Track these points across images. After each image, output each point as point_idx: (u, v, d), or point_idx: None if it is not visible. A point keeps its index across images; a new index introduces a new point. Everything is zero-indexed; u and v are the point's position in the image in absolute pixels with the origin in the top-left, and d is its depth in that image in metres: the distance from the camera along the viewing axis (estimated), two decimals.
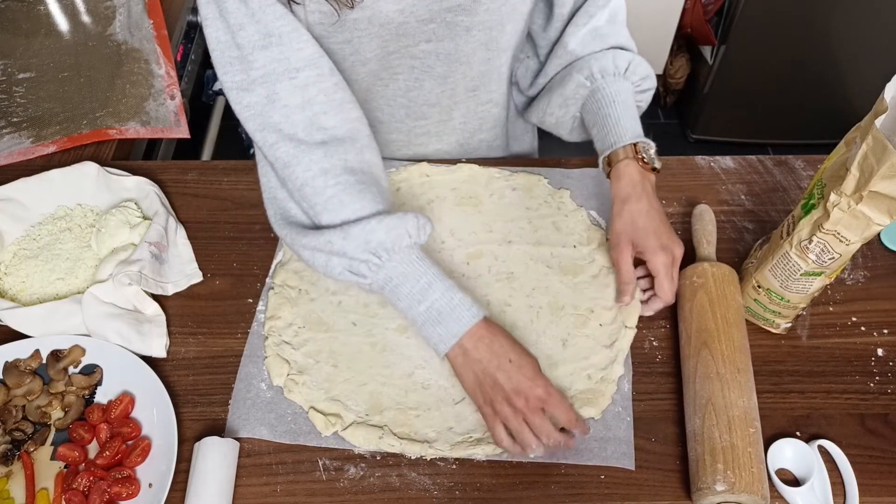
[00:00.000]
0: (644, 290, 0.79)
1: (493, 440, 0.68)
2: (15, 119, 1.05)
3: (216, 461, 0.65)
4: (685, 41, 2.27)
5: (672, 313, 0.80)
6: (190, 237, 0.87)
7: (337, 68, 0.75)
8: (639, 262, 0.77)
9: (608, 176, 0.80)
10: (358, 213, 0.71)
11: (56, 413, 0.73)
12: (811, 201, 0.67)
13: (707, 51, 2.18)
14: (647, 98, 0.89)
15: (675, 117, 2.49)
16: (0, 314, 0.77)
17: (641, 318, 0.79)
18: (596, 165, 0.95)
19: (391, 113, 0.90)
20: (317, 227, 0.72)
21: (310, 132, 0.72)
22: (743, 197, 0.92)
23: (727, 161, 0.97)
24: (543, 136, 1.06)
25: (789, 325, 0.77)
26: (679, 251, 0.75)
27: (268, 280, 0.84)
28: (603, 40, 0.85)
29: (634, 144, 0.78)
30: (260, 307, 0.81)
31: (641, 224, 0.75)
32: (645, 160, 0.78)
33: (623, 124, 0.80)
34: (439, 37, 0.79)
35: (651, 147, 0.79)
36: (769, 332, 0.78)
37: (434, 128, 0.93)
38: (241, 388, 0.74)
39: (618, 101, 0.82)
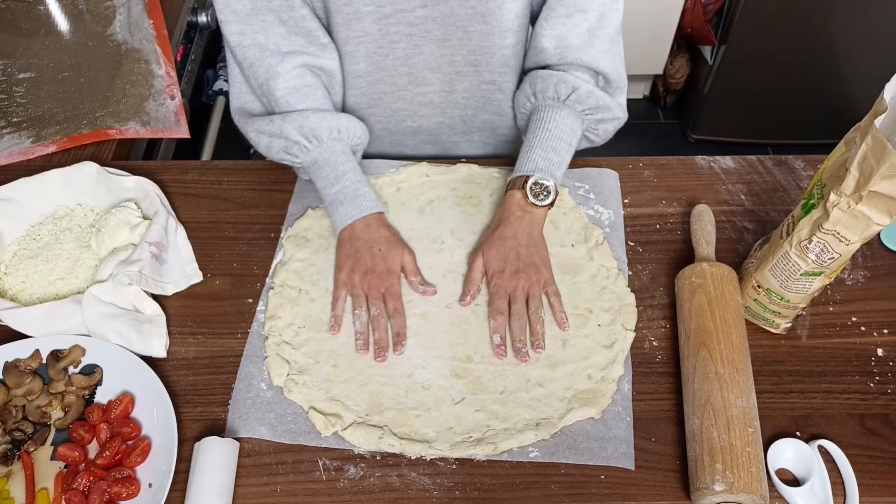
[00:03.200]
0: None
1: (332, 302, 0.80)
2: (15, 119, 1.05)
3: (216, 461, 0.65)
4: (685, 41, 2.27)
5: (672, 313, 0.80)
6: (190, 237, 0.87)
7: (337, 37, 0.86)
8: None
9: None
10: (302, 107, 0.85)
11: (56, 413, 0.73)
12: (811, 201, 0.67)
13: (707, 51, 2.18)
14: (605, 128, 0.89)
15: (675, 117, 2.49)
16: (0, 314, 0.76)
17: (640, 318, 0.79)
18: (596, 165, 0.95)
19: (393, 82, 0.92)
20: (268, 115, 0.87)
21: (278, 43, 0.84)
22: (743, 197, 0.92)
23: (727, 161, 0.97)
24: None
25: (789, 325, 0.77)
26: (524, 282, 0.78)
27: (268, 280, 0.84)
28: (569, 54, 0.84)
29: (527, 178, 0.82)
30: (260, 307, 0.81)
31: (496, 245, 0.80)
32: (528, 196, 0.81)
33: (531, 155, 0.84)
34: (434, 0, 0.82)
35: (545, 184, 0.81)
36: (769, 332, 0.78)
37: (437, 98, 0.94)
38: (241, 388, 0.74)
39: (544, 129, 0.85)
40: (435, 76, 0.91)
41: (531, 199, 0.81)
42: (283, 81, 0.84)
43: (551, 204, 0.82)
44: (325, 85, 0.90)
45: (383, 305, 0.79)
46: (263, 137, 0.87)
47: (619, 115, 0.88)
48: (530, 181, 0.81)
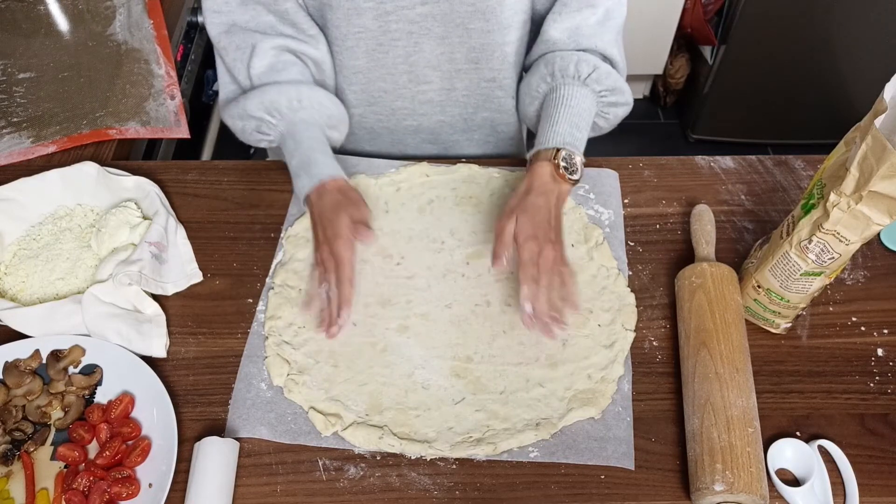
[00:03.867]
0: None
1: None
2: (15, 119, 1.05)
3: (216, 461, 0.65)
4: (685, 41, 2.27)
5: (672, 313, 0.80)
6: (190, 237, 0.87)
7: (337, 32, 0.86)
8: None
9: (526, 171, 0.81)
10: (272, 82, 0.85)
11: (56, 413, 0.73)
12: (811, 201, 0.67)
13: (707, 51, 2.18)
14: (616, 113, 0.88)
15: (675, 117, 2.49)
16: (0, 314, 0.76)
17: (640, 318, 0.79)
18: (596, 165, 0.95)
19: (394, 80, 0.92)
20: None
21: (265, 27, 0.85)
22: (743, 197, 0.92)
23: (727, 161, 0.97)
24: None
25: (789, 325, 0.77)
26: (550, 251, 0.73)
27: (268, 280, 0.84)
28: (583, 40, 0.85)
29: (557, 150, 0.78)
30: (260, 307, 0.81)
31: (530, 212, 0.75)
32: (559, 168, 0.78)
33: (557, 128, 0.81)
34: None
35: (575, 156, 0.79)
36: (769, 332, 0.78)
37: (437, 96, 0.94)
38: (241, 388, 0.74)
39: (566, 105, 0.82)
40: (435, 74, 0.91)
41: (563, 171, 0.77)
42: (259, 60, 0.84)
43: (578, 180, 0.79)
44: (313, 74, 0.90)
45: (333, 277, 0.75)
46: (237, 122, 0.87)
47: (630, 101, 0.88)
48: (562, 154, 0.78)
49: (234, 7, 0.84)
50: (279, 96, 0.83)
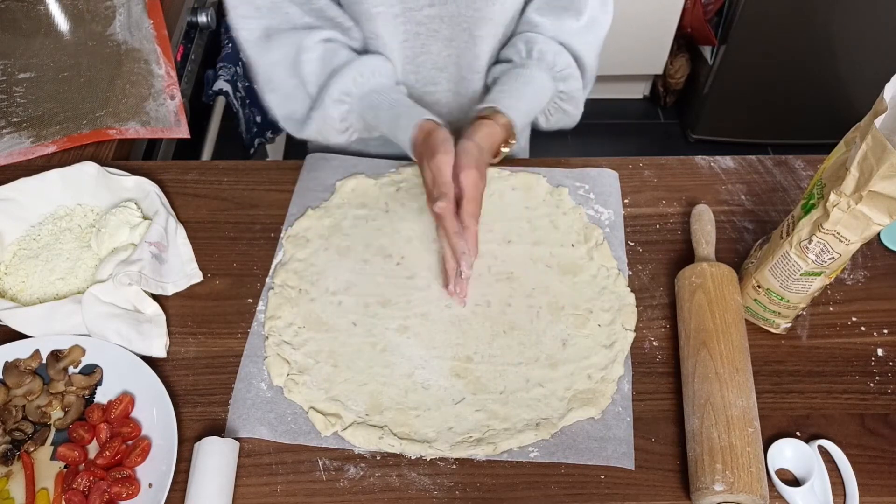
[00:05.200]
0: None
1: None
2: (15, 119, 1.05)
3: (216, 461, 0.65)
4: (685, 41, 2.28)
5: (672, 313, 0.80)
6: (190, 237, 0.87)
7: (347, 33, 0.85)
8: None
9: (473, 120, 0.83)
10: (328, 70, 0.84)
11: (56, 413, 0.73)
12: (811, 201, 0.67)
13: (707, 51, 2.18)
14: (558, 119, 0.92)
15: (675, 117, 2.49)
16: (0, 314, 0.77)
17: (640, 318, 0.79)
18: (596, 165, 0.95)
19: (402, 82, 0.92)
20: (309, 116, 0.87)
21: (306, 23, 0.84)
22: (743, 197, 0.92)
23: (727, 161, 0.97)
24: (537, 134, 1.06)
25: (789, 325, 0.77)
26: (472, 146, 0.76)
27: (268, 280, 0.84)
28: (564, 36, 0.86)
29: (511, 128, 0.82)
30: (260, 307, 0.81)
31: (474, 147, 0.77)
32: (509, 139, 0.83)
33: (520, 105, 0.83)
34: (442, 0, 0.82)
35: (516, 139, 0.84)
36: (769, 332, 0.78)
37: (444, 97, 0.95)
38: (241, 388, 0.74)
39: (534, 88, 0.85)
40: (442, 76, 0.92)
41: (508, 145, 0.83)
42: (308, 53, 0.83)
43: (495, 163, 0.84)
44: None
45: (454, 223, 0.75)
46: (323, 124, 0.87)
47: (576, 118, 0.92)
48: (514, 135, 0.83)
49: (266, 11, 0.82)
50: (344, 81, 0.83)
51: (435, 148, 0.75)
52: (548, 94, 0.86)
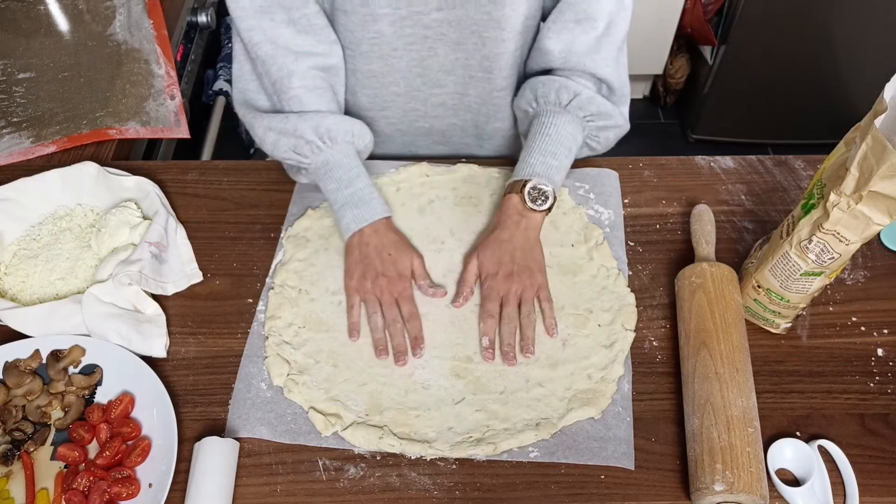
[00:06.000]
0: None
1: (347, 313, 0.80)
2: (15, 119, 1.05)
3: (216, 461, 0.65)
4: (685, 41, 2.27)
5: (672, 313, 0.80)
6: (190, 237, 0.87)
7: (352, 37, 0.86)
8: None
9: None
10: (316, 107, 0.85)
11: (56, 413, 0.73)
12: (811, 201, 0.67)
13: (707, 51, 2.18)
14: (606, 136, 0.89)
15: (675, 117, 2.49)
16: (0, 314, 0.76)
17: (640, 318, 0.79)
18: (596, 165, 0.95)
19: (407, 83, 0.92)
20: (277, 112, 0.86)
21: (290, 42, 0.83)
22: (743, 197, 0.92)
23: (727, 161, 0.97)
24: None
25: (789, 325, 0.77)
26: (517, 286, 0.77)
27: (268, 280, 0.84)
28: (573, 58, 0.84)
29: (525, 182, 0.81)
30: (260, 307, 0.81)
31: (492, 248, 0.80)
32: (526, 200, 0.81)
33: (530, 160, 0.83)
34: (450, 5, 0.82)
35: (544, 186, 0.81)
36: (769, 332, 0.78)
37: (450, 99, 0.94)
38: (241, 388, 0.74)
39: (544, 134, 0.84)
40: (449, 78, 0.91)
41: (529, 203, 0.80)
42: (299, 80, 0.84)
43: (549, 209, 0.81)
44: (331, 85, 0.89)
45: (397, 310, 0.78)
46: (271, 134, 0.85)
47: (621, 123, 0.88)
48: (528, 186, 0.81)
49: (254, 13, 0.82)
50: (338, 126, 0.84)
51: (402, 271, 0.81)
52: (568, 127, 0.85)
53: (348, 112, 0.95)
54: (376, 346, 0.77)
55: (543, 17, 0.89)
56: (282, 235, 0.88)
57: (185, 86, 1.26)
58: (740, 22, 1.97)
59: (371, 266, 0.80)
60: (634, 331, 0.78)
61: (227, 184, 0.95)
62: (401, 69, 0.90)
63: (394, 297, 0.79)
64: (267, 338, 0.78)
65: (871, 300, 0.81)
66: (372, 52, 0.87)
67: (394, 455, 0.69)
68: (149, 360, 0.75)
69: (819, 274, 0.69)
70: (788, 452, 0.69)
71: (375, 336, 0.77)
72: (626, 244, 0.87)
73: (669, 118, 2.50)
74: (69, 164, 0.90)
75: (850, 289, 0.83)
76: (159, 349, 0.76)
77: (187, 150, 1.24)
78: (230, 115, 1.40)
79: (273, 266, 0.85)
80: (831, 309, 0.81)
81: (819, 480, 0.66)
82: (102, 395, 0.74)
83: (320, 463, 0.69)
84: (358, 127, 0.86)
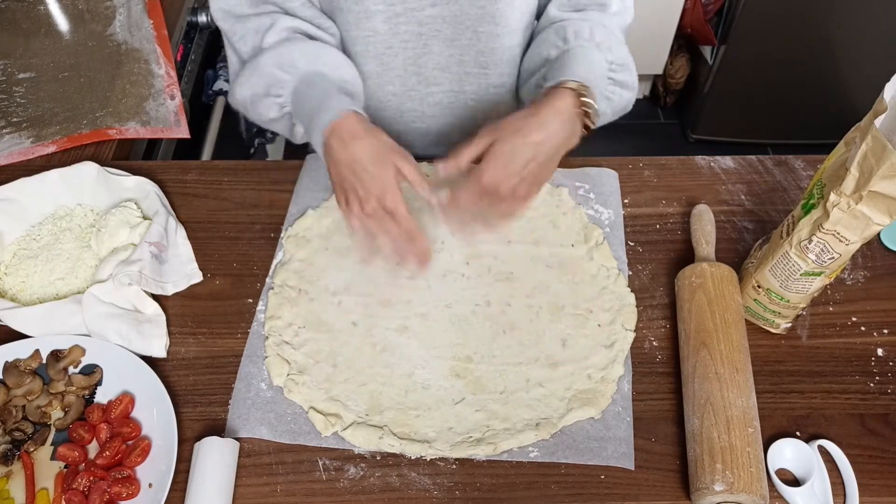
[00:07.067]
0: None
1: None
2: (15, 119, 1.05)
3: (216, 461, 0.65)
4: (685, 41, 2.27)
5: (672, 313, 0.80)
6: (190, 237, 0.87)
7: (346, 37, 0.85)
8: None
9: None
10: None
11: (56, 413, 0.73)
12: (811, 201, 0.67)
13: (707, 51, 2.18)
14: (621, 96, 0.81)
15: (675, 117, 2.49)
16: (0, 314, 0.77)
17: (640, 318, 0.79)
18: (596, 165, 0.95)
19: (402, 82, 0.91)
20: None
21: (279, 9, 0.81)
22: (743, 197, 0.92)
23: (727, 161, 0.97)
24: None
25: (789, 325, 0.77)
26: (522, 138, 0.67)
27: (268, 280, 0.84)
28: (591, 22, 0.83)
29: (582, 89, 0.70)
30: (260, 307, 0.81)
31: (510, 144, 0.68)
32: (581, 102, 0.70)
33: (580, 71, 0.73)
34: (444, 0, 0.81)
35: (596, 106, 0.72)
36: (769, 332, 0.78)
37: (446, 98, 0.94)
38: (241, 388, 0.74)
39: (584, 62, 0.75)
40: (444, 76, 0.91)
41: (583, 108, 0.69)
42: (273, 35, 0.80)
43: (593, 128, 0.72)
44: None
45: (397, 231, 0.71)
46: (245, 91, 0.81)
47: (635, 86, 0.83)
48: (586, 96, 0.70)
49: (246, 6, 0.82)
50: (293, 51, 0.78)
51: (386, 186, 0.71)
52: (600, 66, 0.77)
53: None
54: (394, 262, 0.73)
55: (540, 9, 0.89)
56: (282, 235, 0.88)
57: (185, 86, 1.26)
58: (740, 22, 1.97)
59: (352, 190, 0.71)
60: (634, 331, 0.78)
61: (227, 184, 0.95)
62: (396, 68, 0.89)
63: (389, 222, 0.71)
64: (267, 338, 0.78)
65: (871, 300, 0.81)
66: (367, 51, 0.87)
67: (394, 455, 0.69)
68: (149, 360, 0.75)
69: (819, 274, 0.69)
70: (788, 452, 0.69)
71: (387, 254, 0.72)
72: (626, 244, 0.87)
73: (669, 118, 2.50)
74: (69, 164, 0.90)
75: (850, 289, 0.83)
76: (159, 349, 0.76)
77: (187, 150, 1.24)
78: (230, 115, 1.41)
79: (273, 266, 0.85)
80: (831, 309, 0.81)
81: (819, 480, 0.66)
82: (102, 395, 0.74)
83: (320, 463, 0.69)
84: (325, 52, 0.80)
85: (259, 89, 0.80)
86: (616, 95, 0.82)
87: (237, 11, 0.83)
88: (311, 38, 0.84)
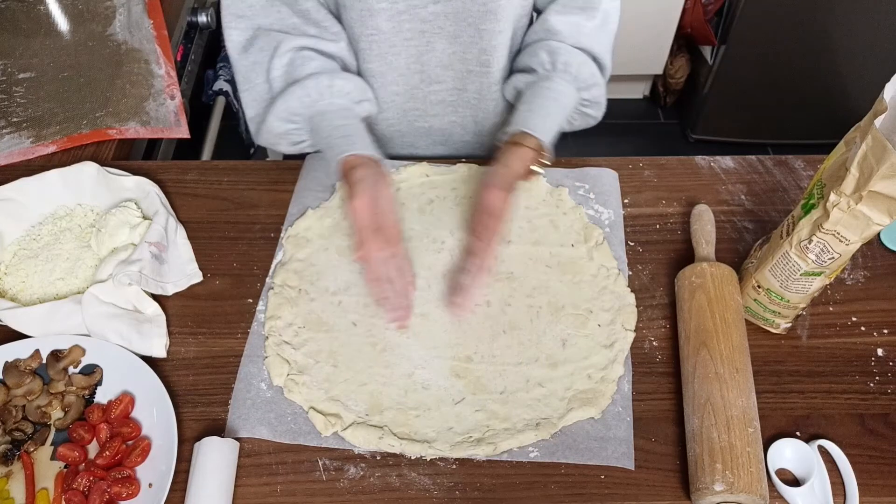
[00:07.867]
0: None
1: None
2: (15, 119, 1.05)
3: (216, 461, 0.65)
4: (685, 41, 2.28)
5: (672, 313, 0.80)
6: (190, 237, 0.87)
7: (349, 34, 0.86)
8: None
9: (500, 146, 0.82)
10: (293, 79, 0.82)
11: (56, 413, 0.73)
12: (811, 201, 0.67)
13: (707, 51, 2.18)
14: (583, 121, 0.92)
15: (675, 117, 2.49)
16: (0, 314, 0.77)
17: (640, 318, 0.79)
18: (595, 165, 0.95)
19: (405, 81, 0.92)
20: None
21: (288, 27, 0.83)
22: (743, 197, 0.92)
23: (727, 161, 0.97)
24: None
25: (789, 325, 0.77)
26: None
27: (268, 280, 0.84)
28: (584, 39, 0.86)
29: (540, 146, 0.80)
30: (260, 307, 0.81)
31: (500, 168, 0.78)
32: (540, 159, 0.80)
33: (547, 123, 0.82)
34: None
35: (547, 162, 0.82)
36: (769, 332, 0.78)
37: (449, 96, 0.95)
38: (241, 388, 0.74)
39: (559, 103, 0.84)
40: (447, 74, 0.91)
41: (536, 168, 0.80)
42: (279, 60, 0.82)
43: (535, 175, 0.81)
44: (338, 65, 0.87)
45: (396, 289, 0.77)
46: (264, 140, 0.86)
47: (598, 116, 0.92)
48: (543, 155, 0.80)
49: (259, 10, 0.82)
50: (291, 101, 0.81)
51: (349, 191, 0.75)
52: (572, 104, 0.87)
53: None
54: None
55: (537, 9, 0.90)
56: (282, 235, 0.88)
57: (185, 86, 1.26)
58: (740, 22, 1.97)
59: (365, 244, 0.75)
60: (634, 331, 0.78)
61: (227, 184, 0.95)
62: (399, 67, 0.90)
63: (375, 262, 0.75)
64: (267, 338, 0.78)
65: (871, 300, 0.81)
66: (370, 49, 0.87)
67: (394, 455, 0.69)
68: (149, 360, 0.75)
69: (819, 274, 0.69)
70: (788, 452, 0.69)
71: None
72: (626, 244, 0.87)
73: (669, 118, 2.50)
74: (69, 164, 0.90)
75: (850, 289, 0.83)
76: (159, 349, 0.76)
77: (187, 150, 1.24)
78: (230, 115, 1.41)
79: (273, 266, 0.85)
80: (831, 309, 0.81)
81: (819, 480, 0.66)
82: (102, 395, 0.74)
83: (320, 463, 0.69)
84: (313, 84, 0.82)
85: (283, 142, 0.87)
86: (579, 121, 0.92)
87: (249, 14, 0.83)
88: (317, 51, 0.84)
